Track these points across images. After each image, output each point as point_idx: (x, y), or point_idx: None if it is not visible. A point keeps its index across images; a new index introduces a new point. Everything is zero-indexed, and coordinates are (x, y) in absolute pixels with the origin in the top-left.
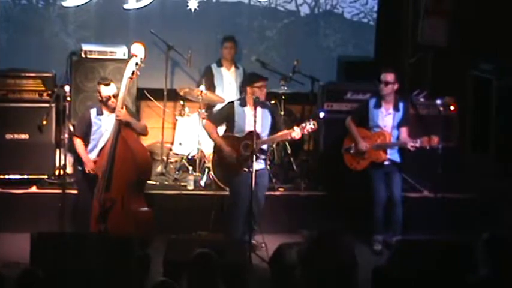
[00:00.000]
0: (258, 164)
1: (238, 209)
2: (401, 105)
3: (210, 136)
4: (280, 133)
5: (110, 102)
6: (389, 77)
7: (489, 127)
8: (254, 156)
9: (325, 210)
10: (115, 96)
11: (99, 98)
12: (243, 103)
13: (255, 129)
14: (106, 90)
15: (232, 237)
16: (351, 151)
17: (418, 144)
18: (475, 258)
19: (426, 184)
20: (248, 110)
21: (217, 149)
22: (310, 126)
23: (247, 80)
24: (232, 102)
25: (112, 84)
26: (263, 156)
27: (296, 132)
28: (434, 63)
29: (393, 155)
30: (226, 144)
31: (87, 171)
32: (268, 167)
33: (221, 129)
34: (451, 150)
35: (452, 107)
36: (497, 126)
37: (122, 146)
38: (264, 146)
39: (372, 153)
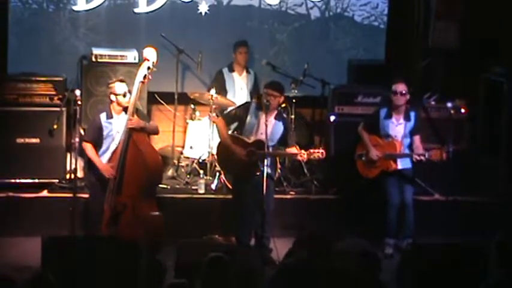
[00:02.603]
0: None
1: (247, 217)
2: (412, 114)
3: (219, 133)
4: (287, 151)
5: (121, 100)
6: (401, 87)
7: (500, 130)
8: (261, 163)
9: (336, 213)
10: (130, 92)
11: (111, 99)
12: (258, 106)
13: (266, 137)
14: (121, 87)
15: (245, 244)
16: (363, 158)
17: (424, 158)
18: (487, 262)
19: (437, 187)
20: (261, 114)
21: (221, 147)
22: (317, 154)
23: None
24: (249, 103)
25: (124, 82)
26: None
27: (303, 157)
28: (445, 66)
29: (404, 161)
30: (234, 145)
31: (108, 177)
32: (279, 170)
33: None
34: (461, 153)
35: (463, 110)
36: (508, 129)
37: (132, 150)
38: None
39: (382, 163)
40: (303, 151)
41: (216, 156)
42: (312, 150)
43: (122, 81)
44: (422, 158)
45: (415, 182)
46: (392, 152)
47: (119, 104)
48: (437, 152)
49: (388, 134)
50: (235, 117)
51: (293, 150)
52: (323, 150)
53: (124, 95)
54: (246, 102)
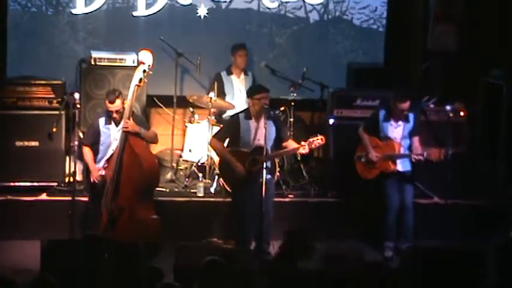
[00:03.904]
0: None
1: (248, 222)
2: (411, 116)
3: (217, 154)
4: (288, 148)
5: (113, 115)
6: (406, 105)
7: (499, 133)
8: (263, 170)
9: (335, 216)
10: (118, 112)
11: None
12: (247, 116)
13: (265, 143)
14: (110, 107)
15: (244, 247)
16: (362, 160)
17: (422, 157)
18: (486, 265)
19: (436, 190)
20: (253, 122)
21: (224, 164)
22: (318, 141)
23: (248, 92)
24: (237, 116)
25: (117, 101)
26: (269, 167)
27: (305, 149)
28: (444, 69)
29: (404, 163)
30: (235, 160)
31: (92, 180)
32: (278, 173)
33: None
34: (460, 156)
35: (462, 113)
36: (507, 132)
37: (129, 154)
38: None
39: (381, 164)
40: (302, 142)
41: (219, 173)
42: (311, 140)
43: (111, 102)
44: (421, 157)
45: (414, 184)
46: (391, 152)
47: (114, 117)
48: (436, 152)
49: (387, 136)
50: (228, 133)
51: (291, 143)
52: (322, 136)
53: (112, 113)
54: (233, 116)
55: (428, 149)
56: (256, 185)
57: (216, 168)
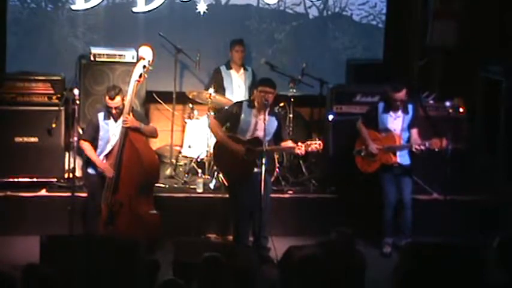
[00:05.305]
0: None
1: (243, 217)
2: (410, 107)
3: (215, 135)
4: (285, 146)
5: (112, 111)
6: (402, 94)
7: (498, 128)
8: (259, 160)
9: (334, 212)
10: (117, 108)
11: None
12: (251, 105)
13: (264, 135)
14: (110, 103)
15: (243, 243)
16: (362, 153)
17: (424, 147)
18: (486, 261)
19: (436, 186)
20: (255, 113)
21: (218, 147)
22: (315, 145)
23: (256, 82)
24: (241, 102)
25: (117, 97)
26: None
27: (300, 150)
28: (444, 65)
29: (403, 157)
30: (232, 144)
31: (110, 176)
32: (277, 169)
33: None
34: (460, 152)
35: (461, 109)
36: (507, 128)
37: (129, 149)
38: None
39: (381, 156)
40: (299, 143)
41: (213, 157)
42: (309, 142)
43: (111, 98)
44: (422, 147)
45: (413, 179)
46: (392, 144)
47: (113, 113)
48: (437, 141)
49: (386, 128)
50: (229, 117)
51: (289, 143)
52: (320, 142)
53: (111, 108)
54: (238, 102)
55: (429, 140)
56: (251, 178)
57: (215, 166)
